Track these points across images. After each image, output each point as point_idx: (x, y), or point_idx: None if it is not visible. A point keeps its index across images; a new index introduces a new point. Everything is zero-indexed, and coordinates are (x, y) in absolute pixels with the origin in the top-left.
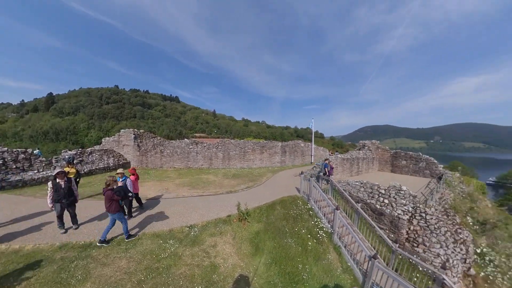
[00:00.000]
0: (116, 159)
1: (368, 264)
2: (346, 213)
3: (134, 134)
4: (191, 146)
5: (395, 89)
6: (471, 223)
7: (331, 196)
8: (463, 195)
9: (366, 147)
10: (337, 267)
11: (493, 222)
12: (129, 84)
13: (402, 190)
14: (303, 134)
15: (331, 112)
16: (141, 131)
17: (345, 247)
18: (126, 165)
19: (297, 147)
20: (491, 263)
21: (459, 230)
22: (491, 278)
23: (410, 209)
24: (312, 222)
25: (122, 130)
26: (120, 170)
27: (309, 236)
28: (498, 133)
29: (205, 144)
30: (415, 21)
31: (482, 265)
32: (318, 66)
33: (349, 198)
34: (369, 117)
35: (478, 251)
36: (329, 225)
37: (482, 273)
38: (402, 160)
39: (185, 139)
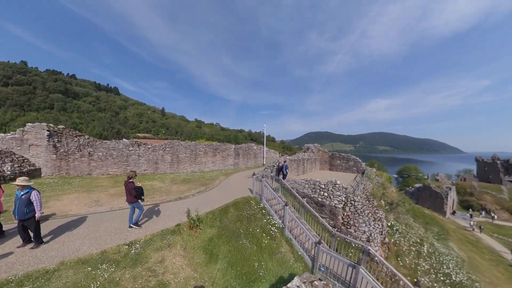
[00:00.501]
0: (17, 165)
1: (314, 249)
2: (294, 208)
3: (48, 130)
4: (131, 148)
5: (333, 103)
6: (383, 204)
7: (281, 194)
8: (378, 185)
9: (310, 150)
10: (290, 258)
11: (396, 202)
12: (46, 62)
13: (337, 184)
14: (256, 138)
15: (282, 118)
16: (60, 127)
17: (295, 238)
18: (34, 172)
19: (250, 149)
20: (397, 232)
21: (376, 211)
22: (397, 242)
23: (343, 198)
24: (265, 220)
25: (29, 124)
26: (20, 181)
27: (263, 234)
28: (398, 140)
29: (149, 146)
30: (350, 51)
31: (392, 234)
32: (273, 75)
33: (296, 194)
34: (313, 124)
35: (389, 224)
36: (281, 221)
37: (392, 240)
38: (337, 160)
39: (124, 139)
